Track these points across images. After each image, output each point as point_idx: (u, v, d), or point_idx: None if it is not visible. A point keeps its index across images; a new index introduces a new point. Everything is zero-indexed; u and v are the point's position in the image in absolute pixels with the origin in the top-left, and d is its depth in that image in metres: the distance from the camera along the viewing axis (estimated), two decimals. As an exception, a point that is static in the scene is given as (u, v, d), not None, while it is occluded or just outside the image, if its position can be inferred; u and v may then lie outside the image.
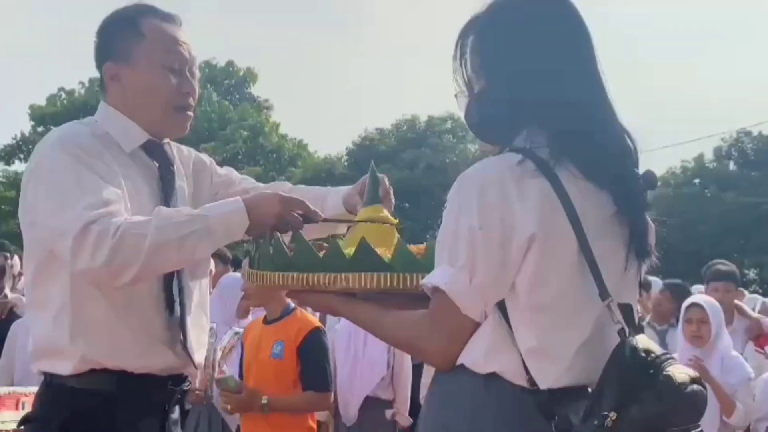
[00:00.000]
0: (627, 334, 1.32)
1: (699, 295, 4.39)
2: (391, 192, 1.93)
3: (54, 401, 1.80)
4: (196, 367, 1.93)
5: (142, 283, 1.74)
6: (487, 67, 1.48)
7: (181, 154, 2.04)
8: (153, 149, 1.91)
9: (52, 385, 1.81)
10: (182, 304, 1.88)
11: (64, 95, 30.48)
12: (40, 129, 27.82)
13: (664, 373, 1.27)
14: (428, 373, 4.12)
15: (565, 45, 1.46)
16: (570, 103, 1.42)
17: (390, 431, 4.24)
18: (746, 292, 5.71)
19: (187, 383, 1.96)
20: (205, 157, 2.13)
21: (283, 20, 53.62)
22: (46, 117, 28.35)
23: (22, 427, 1.88)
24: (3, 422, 2.85)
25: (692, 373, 1.32)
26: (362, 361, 4.19)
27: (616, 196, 1.40)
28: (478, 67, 1.49)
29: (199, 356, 1.93)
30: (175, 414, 1.94)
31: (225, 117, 29.73)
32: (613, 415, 1.24)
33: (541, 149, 1.40)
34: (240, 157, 27.92)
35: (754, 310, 5.37)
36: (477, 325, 1.38)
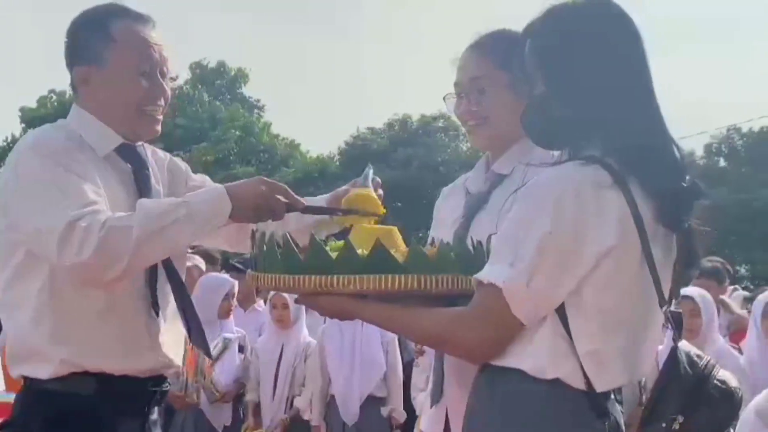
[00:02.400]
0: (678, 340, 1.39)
1: (691, 287, 4.40)
2: (380, 191, 1.94)
3: (34, 405, 1.78)
4: (176, 368, 1.94)
5: (128, 278, 1.73)
6: (544, 71, 1.48)
7: (156, 156, 2.03)
8: (127, 152, 1.89)
9: (31, 389, 1.79)
10: (160, 306, 1.88)
11: (54, 97, 30.36)
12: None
13: (718, 377, 1.35)
14: (419, 372, 4.16)
15: (626, 54, 1.47)
16: (631, 115, 1.43)
17: (386, 428, 4.27)
18: (729, 289, 5.73)
19: (167, 384, 1.96)
20: (180, 162, 2.12)
21: (274, 20, 53.56)
22: (37, 119, 28.17)
23: None
24: None
25: (735, 377, 1.41)
26: (360, 360, 4.21)
27: (665, 207, 1.42)
28: (537, 72, 1.50)
29: (178, 357, 1.94)
30: (154, 415, 1.93)
31: (216, 117, 29.66)
32: (680, 418, 1.30)
33: (609, 158, 1.41)
34: (232, 157, 27.85)
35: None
36: (522, 328, 1.39)
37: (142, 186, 1.89)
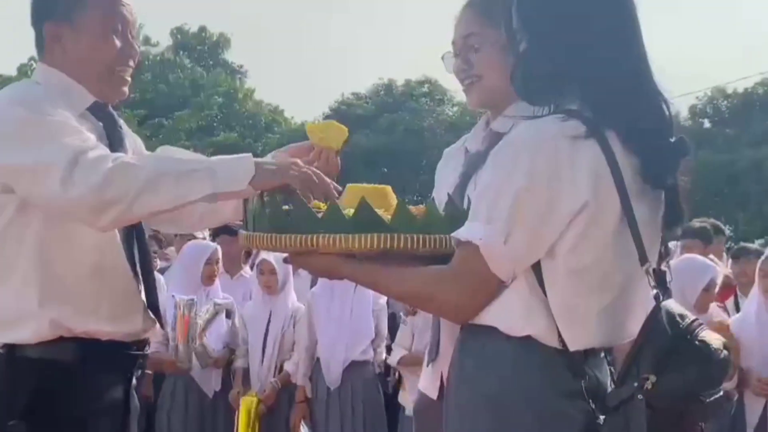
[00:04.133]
0: (661, 299, 1.34)
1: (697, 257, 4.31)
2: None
3: (19, 374, 1.74)
4: (163, 329, 1.94)
5: (120, 225, 1.71)
6: (527, 27, 1.46)
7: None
8: (98, 111, 1.86)
9: (15, 357, 1.74)
10: (145, 264, 1.87)
11: (35, 65, 29.92)
12: (10, 99, 27.30)
13: (699, 338, 1.30)
14: (404, 330, 4.19)
15: (612, 7, 1.44)
16: (611, 67, 1.40)
17: (374, 388, 4.30)
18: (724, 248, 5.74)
19: (148, 347, 1.95)
20: (137, 139, 2.05)
21: (255, -16, 52.77)
22: (17, 87, 27.83)
23: None
24: None
25: (721, 338, 1.36)
26: (348, 326, 4.22)
27: (649, 163, 1.39)
28: (520, 26, 1.47)
29: (157, 321, 1.92)
30: (135, 381, 1.92)
31: (198, 83, 29.35)
32: (653, 377, 1.27)
33: (587, 112, 1.38)
34: (215, 124, 27.62)
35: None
36: (501, 285, 1.38)
37: (115, 144, 1.85)
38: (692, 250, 4.77)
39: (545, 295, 1.37)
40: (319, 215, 1.50)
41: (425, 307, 1.59)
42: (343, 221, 1.48)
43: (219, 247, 4.41)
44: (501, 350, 1.38)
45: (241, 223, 1.72)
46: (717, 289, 4.05)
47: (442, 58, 1.95)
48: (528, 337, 1.37)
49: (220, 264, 4.48)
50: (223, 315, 4.23)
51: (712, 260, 5.04)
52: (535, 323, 1.37)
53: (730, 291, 4.80)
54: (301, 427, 4.02)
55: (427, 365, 1.93)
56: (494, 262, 1.36)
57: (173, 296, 3.80)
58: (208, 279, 4.31)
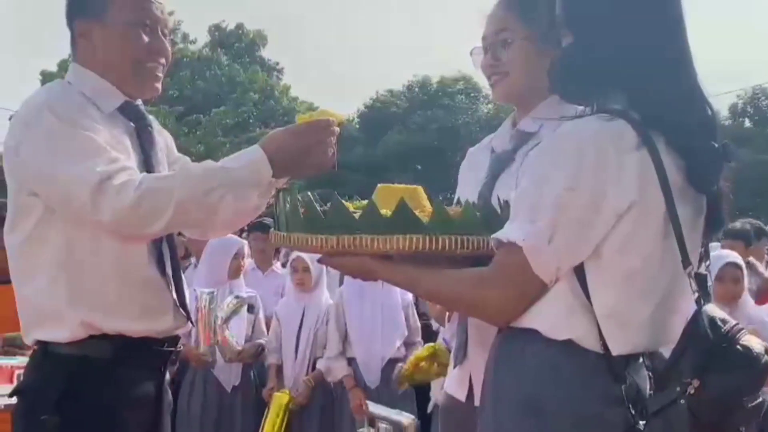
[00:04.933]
0: (702, 303, 1.32)
1: (731, 252, 4.28)
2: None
3: (52, 371, 1.76)
4: (193, 326, 1.94)
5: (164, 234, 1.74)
6: (572, 22, 1.44)
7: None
8: (129, 110, 1.86)
9: (48, 353, 1.77)
10: (173, 262, 1.87)
11: (74, 60, 30.35)
12: (51, 95, 27.74)
13: (741, 343, 1.27)
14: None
15: (657, 3, 1.41)
16: (659, 69, 1.38)
17: (407, 389, 4.28)
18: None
19: (181, 344, 1.95)
20: (168, 135, 2.07)
21: (292, -19, 53.00)
22: (58, 83, 28.27)
23: (14, 399, 1.83)
24: None
25: (764, 343, 1.33)
26: (381, 324, 4.21)
27: (694, 166, 1.37)
28: (564, 21, 1.45)
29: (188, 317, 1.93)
30: (168, 376, 1.93)
31: (235, 80, 29.58)
32: (695, 382, 1.25)
33: (633, 113, 1.36)
34: (251, 120, 27.84)
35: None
36: (544, 287, 1.35)
37: (145, 143, 1.86)
38: (733, 251, 4.69)
39: (587, 298, 1.34)
40: (356, 215, 1.48)
41: (466, 310, 1.56)
42: (381, 222, 1.46)
43: (246, 243, 4.41)
44: (541, 353, 1.36)
45: (271, 218, 1.73)
46: (747, 288, 3.99)
47: (471, 53, 1.94)
48: (569, 341, 1.35)
49: (247, 259, 4.50)
50: (245, 309, 4.25)
51: (751, 262, 4.95)
52: (577, 327, 1.35)
53: (771, 295, 4.70)
54: (367, 405, 3.89)
55: (454, 367, 1.91)
56: (538, 263, 1.33)
57: (194, 290, 3.80)
58: (235, 273, 4.31)
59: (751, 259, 4.92)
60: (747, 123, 26.52)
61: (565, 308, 1.35)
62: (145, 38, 1.83)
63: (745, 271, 3.87)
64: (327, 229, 1.48)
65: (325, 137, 1.76)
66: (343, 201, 1.54)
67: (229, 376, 4.23)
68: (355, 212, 1.50)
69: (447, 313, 2.08)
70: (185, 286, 1.94)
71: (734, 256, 4.03)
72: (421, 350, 3.41)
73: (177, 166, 1.96)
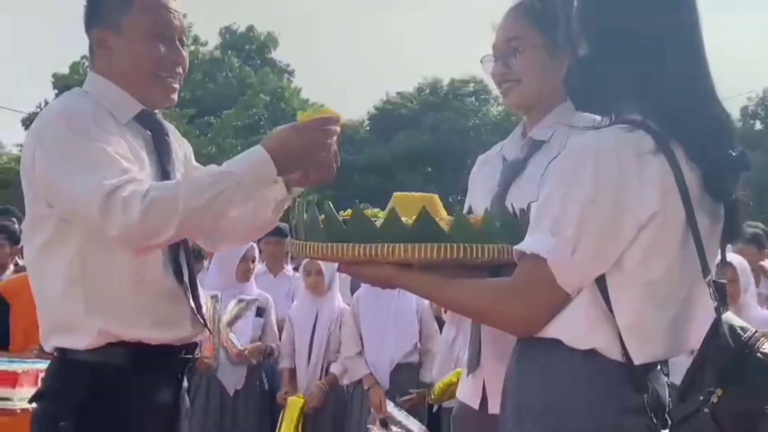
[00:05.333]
0: (722, 311, 1.32)
1: (729, 253, 4.28)
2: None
3: (71, 377, 1.76)
4: (210, 333, 1.93)
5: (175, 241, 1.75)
6: (589, 31, 1.44)
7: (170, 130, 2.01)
8: (146, 119, 1.87)
9: (67, 360, 1.78)
10: (190, 270, 1.87)
11: (87, 63, 30.53)
12: (63, 97, 27.91)
13: (762, 351, 1.27)
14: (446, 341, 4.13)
15: (676, 12, 1.41)
16: (675, 77, 1.38)
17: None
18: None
19: (198, 351, 1.95)
20: (187, 145, 2.08)
21: (302, -16, 53.09)
22: (70, 85, 28.37)
23: (34, 404, 1.83)
24: (21, 399, 2.72)
25: None
26: (393, 329, 4.20)
27: (712, 176, 1.37)
28: (582, 31, 1.45)
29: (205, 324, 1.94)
30: (185, 382, 1.94)
31: (246, 82, 29.66)
32: (719, 391, 1.24)
33: (652, 123, 1.36)
34: (262, 122, 27.89)
35: None
36: (568, 298, 1.36)
37: (162, 153, 1.87)
38: (746, 255, 4.68)
39: (609, 308, 1.35)
40: (377, 224, 1.48)
41: (490, 321, 1.55)
42: (403, 230, 1.46)
43: (255, 245, 4.43)
44: (564, 363, 1.36)
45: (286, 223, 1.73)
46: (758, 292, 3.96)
47: (482, 60, 1.93)
48: (592, 351, 1.35)
49: (256, 262, 4.50)
50: (252, 312, 4.26)
51: (764, 267, 4.94)
52: (599, 336, 1.35)
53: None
54: (387, 405, 3.92)
55: (467, 375, 1.90)
56: (562, 274, 1.33)
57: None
58: (243, 276, 4.33)
59: (765, 263, 4.91)
60: (758, 125, 26.39)
61: (588, 318, 1.35)
62: (162, 49, 1.83)
63: (738, 270, 3.87)
64: (347, 237, 1.48)
65: (326, 135, 1.77)
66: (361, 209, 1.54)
67: (232, 379, 4.24)
68: (375, 221, 1.50)
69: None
70: (201, 292, 1.94)
71: (728, 257, 3.99)
72: (451, 375, 3.46)
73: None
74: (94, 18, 1.87)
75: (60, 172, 1.69)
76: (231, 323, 4.15)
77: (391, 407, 3.70)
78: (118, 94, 1.84)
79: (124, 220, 1.62)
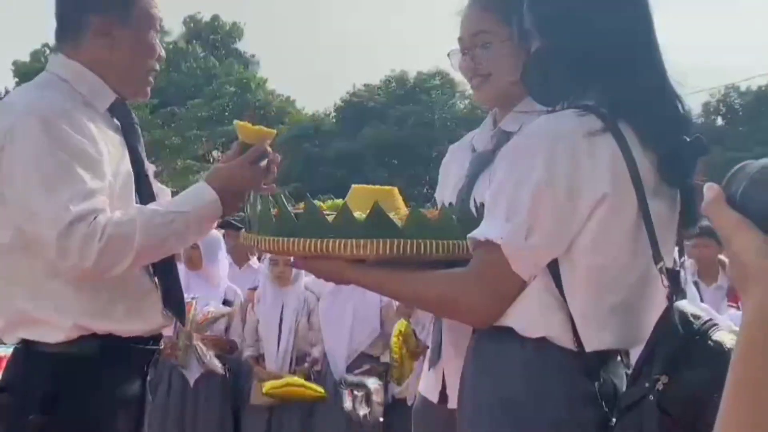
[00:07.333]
0: (674, 299, 1.31)
1: None
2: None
3: (36, 370, 1.72)
4: (183, 324, 1.95)
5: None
6: (540, 26, 1.43)
7: None
8: (118, 109, 1.83)
9: (32, 352, 1.72)
10: (161, 266, 1.85)
11: (48, 51, 30.02)
12: (24, 85, 27.48)
13: (713, 338, 1.25)
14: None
15: (626, 4, 1.42)
16: (627, 64, 1.38)
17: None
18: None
19: (163, 341, 1.95)
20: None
21: (269, -26, 52.66)
22: (31, 73, 27.77)
23: None
24: None
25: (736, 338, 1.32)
26: (352, 320, 4.24)
27: (666, 161, 1.37)
28: (532, 25, 1.45)
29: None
30: (150, 374, 1.91)
31: (210, 73, 29.41)
32: (664, 378, 1.23)
33: (603, 108, 1.35)
34: (227, 113, 27.67)
35: None
36: (523, 285, 1.33)
37: (133, 142, 1.84)
38: (706, 248, 4.72)
39: (561, 294, 1.34)
40: (330, 219, 1.45)
41: (445, 312, 1.53)
42: (355, 226, 1.42)
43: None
44: (516, 353, 1.35)
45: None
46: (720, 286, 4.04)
47: (449, 55, 1.91)
48: (543, 339, 1.34)
49: (223, 254, 4.47)
50: (221, 324, 4.31)
51: (723, 261, 5.00)
52: (551, 324, 1.34)
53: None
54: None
55: (429, 369, 1.88)
56: (516, 260, 1.31)
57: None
58: (189, 262, 4.25)
59: (722, 256, 4.97)
60: (719, 121, 26.83)
61: (540, 306, 1.34)
62: (158, 46, 1.83)
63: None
64: (299, 232, 1.44)
65: (263, 167, 1.82)
66: (316, 202, 1.51)
67: (192, 370, 4.23)
68: (328, 215, 1.47)
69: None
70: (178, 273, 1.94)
71: None
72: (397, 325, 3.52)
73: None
74: (93, 3, 1.78)
75: (27, 180, 1.63)
76: (207, 325, 4.18)
77: (350, 377, 4.07)
78: (97, 85, 1.79)
79: (78, 260, 1.61)
